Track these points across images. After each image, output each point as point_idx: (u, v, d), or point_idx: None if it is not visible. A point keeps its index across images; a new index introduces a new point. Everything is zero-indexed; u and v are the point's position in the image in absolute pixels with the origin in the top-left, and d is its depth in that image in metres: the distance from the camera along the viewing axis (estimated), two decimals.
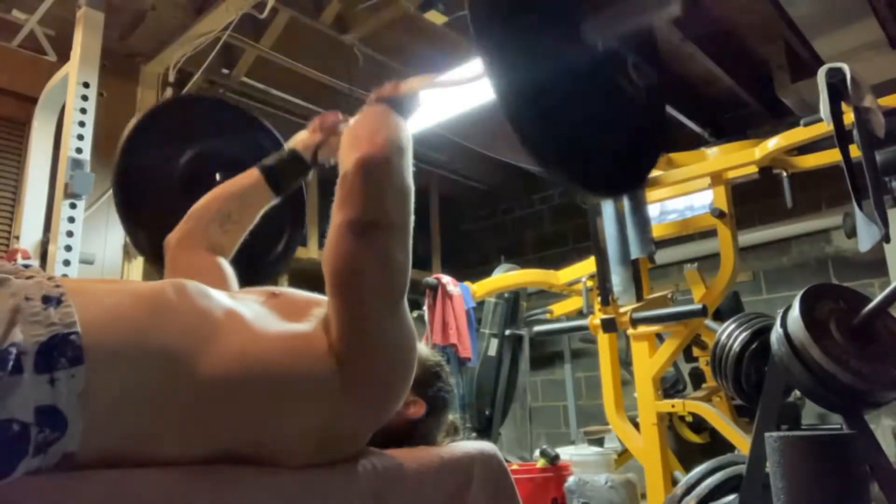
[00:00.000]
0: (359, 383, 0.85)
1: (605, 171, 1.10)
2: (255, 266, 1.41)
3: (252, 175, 1.25)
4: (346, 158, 0.93)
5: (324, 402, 0.84)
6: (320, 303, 0.96)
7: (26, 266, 0.79)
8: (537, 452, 3.08)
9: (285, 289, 1.05)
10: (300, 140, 1.31)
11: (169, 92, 3.36)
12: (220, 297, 0.87)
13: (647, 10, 1.10)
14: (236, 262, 1.21)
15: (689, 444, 3.33)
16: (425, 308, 3.47)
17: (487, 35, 0.92)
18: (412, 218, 0.95)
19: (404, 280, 0.91)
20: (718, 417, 2.55)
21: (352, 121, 1.11)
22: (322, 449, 0.86)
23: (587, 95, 1.08)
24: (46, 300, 0.70)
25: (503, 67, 0.92)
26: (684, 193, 3.02)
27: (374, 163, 0.91)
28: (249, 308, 0.89)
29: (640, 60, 1.14)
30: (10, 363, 0.64)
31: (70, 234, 2.39)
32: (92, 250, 2.98)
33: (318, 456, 0.86)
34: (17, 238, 2.87)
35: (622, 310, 2.75)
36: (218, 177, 1.38)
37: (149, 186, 1.48)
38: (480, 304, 3.74)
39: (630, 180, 1.26)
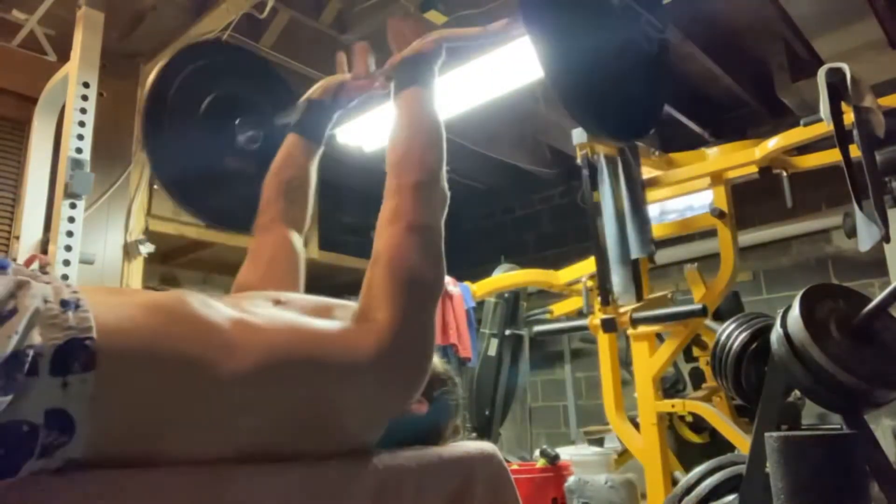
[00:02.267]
0: (392, 373, 0.92)
1: (624, 116, 1.33)
2: None
3: (290, 140, 1.37)
4: (401, 177, 1.06)
5: (358, 386, 0.88)
6: (336, 305, 1.03)
7: (44, 272, 0.80)
8: (537, 452, 3.08)
9: (290, 294, 1.07)
10: (317, 88, 1.43)
11: None
12: (221, 307, 0.88)
13: None
14: None
15: (689, 444, 3.33)
16: None
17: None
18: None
19: (444, 278, 1.05)
20: (718, 417, 2.55)
21: (390, 100, 1.23)
22: (338, 440, 0.89)
23: (610, 49, 1.29)
24: (65, 304, 0.71)
25: (544, 30, 1.14)
26: (684, 193, 3.02)
27: (429, 184, 1.06)
28: (261, 310, 0.92)
29: (651, 17, 1.34)
30: (27, 365, 0.64)
31: (70, 234, 2.39)
32: (92, 250, 2.98)
33: (332, 448, 0.88)
34: (17, 238, 2.87)
35: (622, 310, 2.75)
36: (237, 121, 1.62)
37: (174, 121, 1.63)
38: (480, 304, 3.74)
39: (645, 124, 1.48)
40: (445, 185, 1.09)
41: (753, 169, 2.70)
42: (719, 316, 2.91)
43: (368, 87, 1.42)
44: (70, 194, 2.41)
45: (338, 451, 0.90)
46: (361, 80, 1.42)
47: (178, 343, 0.77)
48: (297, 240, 1.32)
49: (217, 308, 0.87)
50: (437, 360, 1.18)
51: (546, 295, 4.05)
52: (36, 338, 0.66)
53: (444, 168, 1.10)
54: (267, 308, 0.96)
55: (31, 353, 0.65)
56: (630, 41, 1.34)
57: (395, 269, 0.97)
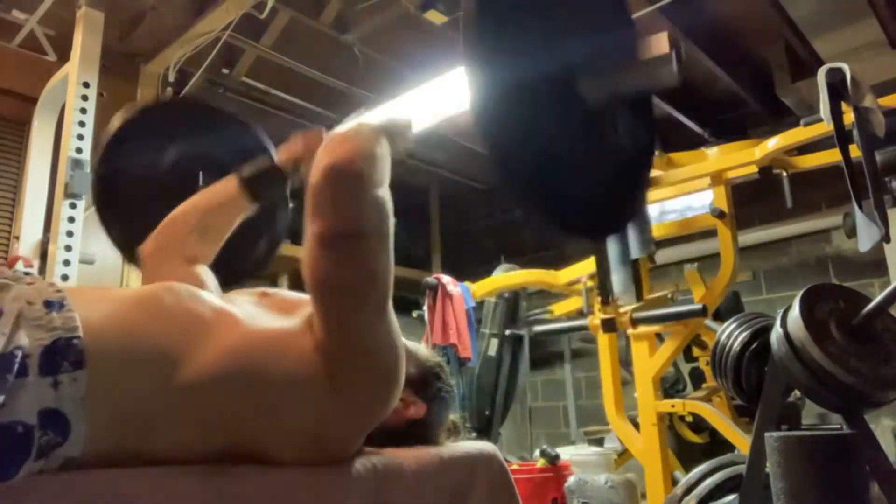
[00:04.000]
0: (346, 389, 0.84)
1: (585, 214, 1.07)
2: (234, 270, 1.37)
3: (230, 185, 1.21)
4: (315, 167, 0.89)
5: (311, 402, 0.83)
6: (308, 302, 0.95)
7: (27, 273, 0.80)
8: (537, 452, 3.08)
9: (277, 289, 1.06)
10: (282, 151, 1.29)
11: (169, 92, 3.36)
12: (210, 299, 0.87)
13: (644, 81, 1.03)
14: (215, 267, 1.16)
15: (689, 444, 3.33)
16: (425, 308, 3.47)
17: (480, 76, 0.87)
18: (390, 223, 0.92)
19: (385, 288, 0.89)
20: (718, 417, 2.55)
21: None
22: (316, 449, 0.86)
23: (575, 139, 1.05)
24: (48, 305, 0.71)
25: (493, 108, 0.88)
26: (684, 193, 3.02)
27: (341, 170, 0.87)
28: (241, 308, 0.90)
29: (630, 117, 1.09)
30: (16, 366, 0.64)
31: (70, 234, 2.39)
32: (92, 250, 2.97)
33: (312, 456, 0.86)
34: (17, 238, 2.87)
35: (622, 310, 2.75)
36: (201, 180, 1.37)
37: (130, 186, 1.48)
38: (480, 304, 3.74)
39: (610, 225, 1.22)
40: (380, 183, 0.92)
41: (753, 169, 2.70)
42: (719, 316, 2.91)
43: None
44: (70, 194, 2.41)
45: (311, 462, 0.86)
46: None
47: (160, 339, 0.77)
48: (207, 273, 1.13)
49: (203, 299, 0.86)
50: (424, 353, 1.15)
51: (546, 295, 4.05)
52: (22, 339, 0.66)
53: (381, 168, 0.94)
54: (250, 303, 0.95)
55: (18, 354, 0.65)
56: (602, 133, 1.08)
57: (312, 287, 0.87)
